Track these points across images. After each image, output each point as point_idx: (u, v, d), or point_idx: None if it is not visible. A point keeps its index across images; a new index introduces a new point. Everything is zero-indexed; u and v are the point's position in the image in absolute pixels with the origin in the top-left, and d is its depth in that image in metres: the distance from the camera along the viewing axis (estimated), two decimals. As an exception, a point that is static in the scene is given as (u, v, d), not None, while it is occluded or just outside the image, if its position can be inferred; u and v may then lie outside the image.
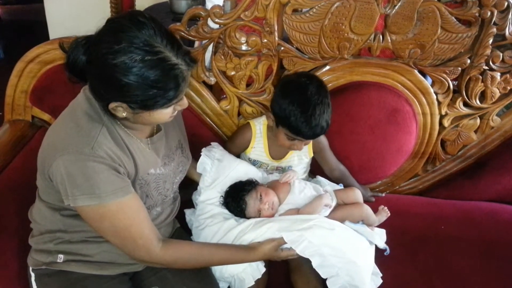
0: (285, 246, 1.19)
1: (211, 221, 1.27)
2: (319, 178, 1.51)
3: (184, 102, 1.01)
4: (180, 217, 1.35)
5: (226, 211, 1.30)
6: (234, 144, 1.50)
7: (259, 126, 1.46)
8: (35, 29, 3.55)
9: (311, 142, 1.44)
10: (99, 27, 0.91)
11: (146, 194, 1.10)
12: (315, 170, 1.58)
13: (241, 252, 1.18)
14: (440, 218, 1.56)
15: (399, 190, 1.72)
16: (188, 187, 1.38)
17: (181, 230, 1.33)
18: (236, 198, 1.28)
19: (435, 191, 1.71)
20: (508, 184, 1.62)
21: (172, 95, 0.92)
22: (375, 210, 1.41)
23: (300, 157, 1.48)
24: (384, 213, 1.42)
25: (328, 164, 1.53)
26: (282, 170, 1.48)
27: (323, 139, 1.48)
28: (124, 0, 2.42)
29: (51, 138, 1.02)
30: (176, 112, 1.02)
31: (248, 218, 1.28)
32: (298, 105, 1.25)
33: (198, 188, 1.35)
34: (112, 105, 0.93)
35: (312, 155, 1.49)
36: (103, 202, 0.95)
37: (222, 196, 1.32)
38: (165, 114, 0.98)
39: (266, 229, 1.20)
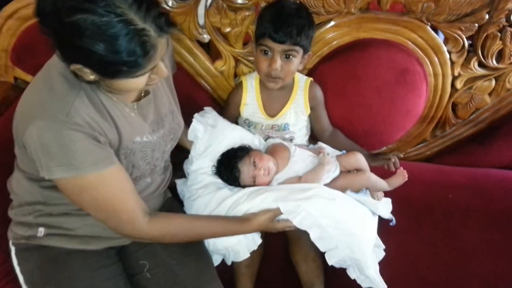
0: (281, 217, 1.11)
1: (204, 191, 1.18)
2: (321, 144, 1.41)
3: (161, 71, 0.89)
4: (172, 187, 1.27)
5: (219, 180, 1.22)
6: (228, 105, 1.41)
7: (251, 81, 1.37)
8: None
9: (307, 96, 1.35)
10: None
11: (132, 164, 1.01)
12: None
13: (235, 224, 1.10)
14: (448, 186, 1.48)
15: (406, 157, 1.62)
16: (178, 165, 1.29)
17: (172, 201, 1.25)
18: (229, 166, 1.19)
19: (444, 157, 1.62)
20: (521, 151, 1.53)
21: (138, 65, 0.80)
22: (392, 173, 1.30)
23: (296, 113, 1.37)
24: (400, 177, 1.28)
25: (320, 123, 1.43)
26: (278, 129, 1.38)
27: (319, 93, 1.38)
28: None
29: (23, 103, 0.92)
30: (155, 80, 0.91)
31: (243, 186, 1.20)
32: (271, 7, 1.24)
33: (190, 156, 1.26)
34: (73, 67, 0.82)
35: (309, 111, 1.38)
36: (82, 174, 0.87)
37: (214, 165, 1.23)
38: (137, 83, 0.86)
39: (262, 199, 1.12)
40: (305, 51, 1.26)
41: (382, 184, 1.26)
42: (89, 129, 0.87)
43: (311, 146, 1.45)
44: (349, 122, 1.46)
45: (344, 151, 1.36)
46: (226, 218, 1.13)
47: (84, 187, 0.90)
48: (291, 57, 1.22)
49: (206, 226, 1.09)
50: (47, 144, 0.85)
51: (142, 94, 1.03)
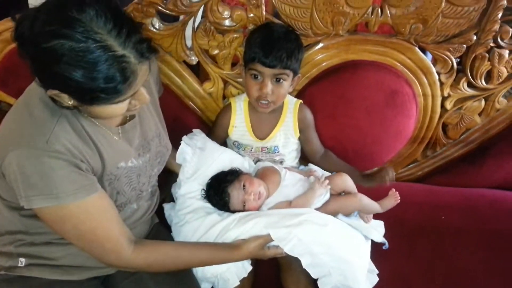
0: (272, 244, 1.08)
1: (192, 217, 1.15)
2: (312, 166, 1.40)
3: (143, 97, 0.87)
4: (160, 212, 1.24)
5: (208, 205, 1.19)
6: (216, 127, 1.39)
7: (240, 103, 1.35)
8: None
9: (297, 119, 1.33)
10: None
11: (117, 191, 0.98)
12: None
13: (224, 251, 1.07)
14: (440, 207, 1.47)
15: (397, 177, 1.61)
16: (166, 184, 1.26)
17: (160, 227, 1.22)
18: (218, 190, 1.17)
19: (435, 177, 1.61)
20: (512, 171, 1.52)
21: (117, 91, 0.77)
22: (383, 195, 1.28)
23: (286, 135, 1.35)
24: (393, 199, 1.27)
25: (310, 145, 1.41)
26: (268, 151, 1.36)
27: (309, 115, 1.37)
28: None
29: (3, 129, 0.89)
30: (137, 106, 0.88)
31: (233, 211, 1.17)
32: (260, 30, 1.24)
33: (178, 180, 1.23)
34: (50, 93, 0.79)
35: (298, 134, 1.37)
36: (62, 203, 0.84)
37: (203, 189, 1.20)
38: (117, 109, 0.84)
39: (252, 225, 1.09)
40: (295, 73, 1.25)
41: (375, 206, 1.24)
42: (70, 156, 0.84)
43: (302, 167, 1.44)
44: (339, 143, 1.45)
45: (331, 173, 1.35)
46: (215, 245, 1.09)
47: (65, 217, 0.87)
48: (281, 80, 1.22)
49: (194, 254, 1.06)
50: (26, 173, 0.82)
51: (128, 118, 1.01)
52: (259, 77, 1.21)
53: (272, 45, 1.18)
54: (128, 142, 1.00)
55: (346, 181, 1.25)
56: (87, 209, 0.87)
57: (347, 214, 1.22)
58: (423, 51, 1.39)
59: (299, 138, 1.39)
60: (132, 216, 1.06)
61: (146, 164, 1.05)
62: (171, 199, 1.26)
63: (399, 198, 1.25)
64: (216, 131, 1.38)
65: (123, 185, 0.99)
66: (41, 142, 0.82)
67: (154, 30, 1.29)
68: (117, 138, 0.97)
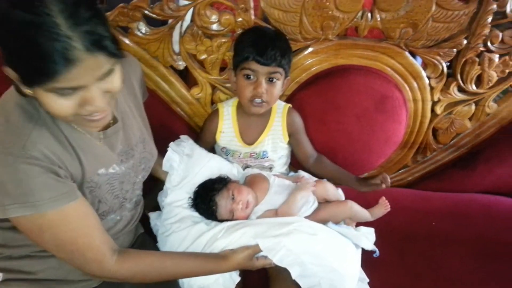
0: (261, 254, 1.06)
1: (179, 226, 1.12)
2: (301, 172, 1.38)
3: (93, 100, 0.78)
4: (145, 221, 1.21)
5: (195, 213, 1.16)
6: (203, 133, 1.36)
7: (227, 108, 1.33)
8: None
9: (285, 123, 1.31)
10: None
11: (99, 199, 0.94)
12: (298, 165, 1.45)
13: (211, 262, 1.04)
14: (431, 213, 1.45)
15: (388, 182, 1.59)
16: (152, 190, 1.23)
17: (145, 237, 1.18)
18: (206, 199, 1.14)
19: (426, 183, 1.60)
20: (503, 175, 1.52)
21: (55, 71, 0.71)
22: (374, 202, 1.27)
23: (274, 140, 1.33)
24: (383, 208, 1.27)
25: (302, 149, 1.38)
26: (257, 157, 1.34)
27: (297, 119, 1.35)
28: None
29: None
30: (91, 111, 0.80)
31: (221, 220, 1.14)
32: (250, 32, 1.24)
33: (164, 188, 1.20)
34: (5, 69, 0.74)
35: (287, 139, 1.34)
36: (40, 211, 0.80)
37: (190, 198, 1.17)
38: (64, 106, 0.77)
39: (240, 235, 1.07)
40: (286, 75, 1.24)
41: (365, 214, 1.22)
42: (48, 162, 0.81)
43: (292, 174, 1.42)
44: (329, 149, 1.43)
45: (325, 180, 1.33)
46: (202, 255, 1.06)
47: (44, 226, 0.83)
48: (274, 80, 1.20)
49: (180, 265, 1.03)
50: (1, 181, 0.78)
51: (111, 121, 0.97)
52: (252, 77, 1.19)
53: (266, 43, 1.17)
54: (110, 147, 0.97)
55: (328, 189, 1.23)
56: (66, 217, 0.84)
57: (338, 222, 1.20)
58: (413, 55, 1.38)
59: (289, 143, 1.37)
60: (115, 227, 1.03)
61: (129, 170, 1.02)
62: (157, 208, 1.22)
63: (389, 206, 1.24)
64: (204, 137, 1.36)
65: (105, 192, 0.95)
66: (17, 148, 0.78)
67: (140, 34, 1.26)
68: (98, 143, 0.93)
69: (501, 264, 1.31)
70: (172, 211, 1.16)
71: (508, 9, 1.28)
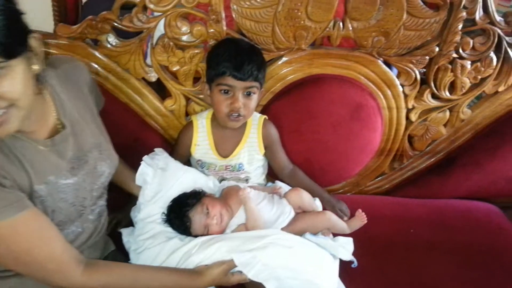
0: (236, 269, 1.04)
1: (152, 243, 1.09)
2: (278, 182, 1.36)
3: None
4: (118, 238, 1.17)
5: (169, 229, 1.13)
6: (178, 145, 1.34)
7: (202, 120, 1.31)
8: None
9: (261, 135, 1.30)
10: None
11: (52, 209, 0.90)
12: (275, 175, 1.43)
13: (186, 278, 1.01)
14: (409, 220, 1.45)
15: (365, 190, 1.59)
16: (126, 206, 1.20)
17: (116, 254, 1.14)
18: (179, 215, 1.11)
19: (403, 189, 1.60)
20: (479, 180, 1.53)
21: None
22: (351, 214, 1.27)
23: (250, 152, 1.32)
24: (359, 220, 1.26)
25: (277, 161, 1.38)
26: (233, 169, 1.32)
27: (273, 131, 1.34)
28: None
29: None
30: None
31: (195, 236, 1.12)
32: (224, 45, 1.22)
33: (138, 203, 1.17)
34: None
35: (263, 151, 1.33)
36: None
37: (164, 213, 1.15)
38: None
39: (214, 250, 1.04)
40: (261, 87, 1.23)
41: (343, 225, 1.21)
42: None
43: (270, 184, 1.40)
44: (306, 158, 1.42)
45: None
46: (176, 270, 1.03)
47: None
48: (251, 94, 1.19)
49: (153, 278, 0.99)
50: None
51: (60, 127, 0.94)
52: (229, 92, 1.18)
53: (242, 58, 1.16)
54: (59, 155, 0.92)
55: (302, 197, 1.22)
56: (18, 228, 0.81)
57: (315, 232, 1.19)
58: (387, 64, 1.39)
59: (265, 154, 1.36)
60: (77, 240, 0.99)
61: (84, 177, 0.98)
62: (131, 224, 1.19)
63: (365, 219, 1.24)
64: (179, 150, 1.34)
65: (57, 201, 0.91)
66: None
67: (110, 46, 1.24)
68: (45, 151, 0.90)
69: (479, 270, 1.32)
70: (145, 227, 1.13)
71: (477, 17, 1.29)
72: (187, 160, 1.35)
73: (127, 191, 1.20)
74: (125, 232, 1.16)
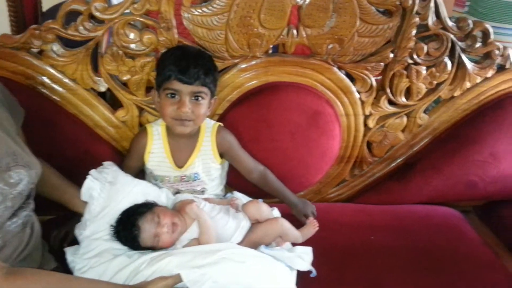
0: (180, 285, 0.99)
1: (97, 261, 1.04)
2: (236, 193, 1.33)
3: None
4: (62, 257, 1.11)
5: (117, 245, 1.08)
6: (130, 155, 1.29)
7: (157, 127, 1.27)
8: None
9: (215, 143, 1.27)
10: None
11: None
12: (235, 185, 1.41)
13: None
14: (370, 227, 1.44)
15: (327, 198, 1.58)
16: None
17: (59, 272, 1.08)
18: (128, 224, 1.06)
19: (365, 196, 1.59)
20: (439, 185, 1.53)
21: None
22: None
23: (205, 161, 1.28)
24: (311, 228, 1.25)
25: (241, 165, 1.34)
26: (188, 180, 1.28)
27: (228, 137, 1.30)
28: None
29: None
30: None
31: (144, 248, 1.07)
32: (172, 50, 1.20)
33: (83, 220, 1.11)
34: None
35: (220, 159, 1.30)
36: None
37: (112, 225, 1.10)
38: None
39: (164, 265, 1.00)
40: (212, 95, 1.20)
41: (295, 233, 1.19)
42: None
43: (229, 195, 1.37)
44: (266, 167, 1.39)
45: (261, 200, 1.29)
46: (113, 284, 0.98)
47: None
48: (200, 99, 1.16)
49: None
50: None
51: None
52: (175, 96, 1.15)
53: (188, 61, 1.13)
54: None
55: (260, 209, 1.20)
56: None
57: (269, 241, 1.17)
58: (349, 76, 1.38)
59: (223, 163, 1.33)
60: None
61: None
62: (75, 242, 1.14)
63: (317, 226, 1.22)
64: (131, 159, 1.29)
65: None
66: None
67: (55, 55, 1.19)
68: None
69: (440, 275, 1.30)
70: (90, 245, 1.07)
71: (430, 22, 1.30)
72: (139, 172, 1.31)
73: (74, 211, 1.14)
74: (69, 251, 1.09)
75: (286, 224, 1.19)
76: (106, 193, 1.13)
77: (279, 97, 1.35)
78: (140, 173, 1.32)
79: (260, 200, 1.29)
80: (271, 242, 1.17)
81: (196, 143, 1.26)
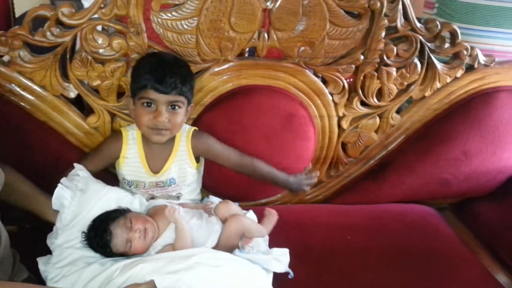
0: None
1: (69, 270, 1.02)
2: (211, 198, 1.33)
3: None
4: (34, 267, 1.09)
5: (90, 253, 1.06)
6: (97, 157, 1.26)
7: (132, 131, 1.25)
8: None
9: (190, 148, 1.26)
10: None
11: None
12: (210, 188, 1.41)
13: None
14: (347, 227, 1.44)
15: (304, 200, 1.58)
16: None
17: (30, 282, 1.06)
18: (99, 229, 1.05)
19: (341, 197, 1.59)
20: (413, 184, 1.55)
21: None
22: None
23: (181, 166, 1.26)
24: (271, 216, 1.23)
25: (226, 161, 1.32)
26: (163, 185, 1.27)
27: (203, 138, 1.29)
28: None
29: None
30: None
31: (117, 254, 1.06)
32: (147, 58, 1.19)
33: (54, 229, 1.09)
34: None
35: (196, 164, 1.29)
36: None
37: (84, 232, 1.08)
38: None
39: (137, 272, 0.99)
40: (189, 102, 1.19)
41: (258, 228, 1.18)
42: None
43: (205, 199, 1.36)
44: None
45: (237, 203, 1.29)
46: None
47: None
48: (176, 108, 1.15)
49: None
50: None
51: None
52: (152, 105, 1.14)
53: (164, 70, 1.12)
54: None
55: (230, 208, 1.19)
56: None
57: (236, 240, 1.16)
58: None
59: (202, 165, 1.33)
60: None
61: None
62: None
63: (275, 213, 1.23)
64: (97, 160, 1.25)
65: None
66: None
67: (22, 62, 1.16)
68: None
69: (417, 273, 1.31)
70: (62, 253, 1.05)
71: (399, 24, 1.32)
72: (103, 171, 1.28)
73: (45, 220, 1.12)
74: (41, 260, 1.07)
75: (245, 220, 1.18)
76: (77, 201, 1.11)
77: (253, 100, 1.35)
78: (114, 178, 1.30)
79: (236, 204, 1.29)
80: (237, 242, 1.16)
81: (172, 149, 1.25)
